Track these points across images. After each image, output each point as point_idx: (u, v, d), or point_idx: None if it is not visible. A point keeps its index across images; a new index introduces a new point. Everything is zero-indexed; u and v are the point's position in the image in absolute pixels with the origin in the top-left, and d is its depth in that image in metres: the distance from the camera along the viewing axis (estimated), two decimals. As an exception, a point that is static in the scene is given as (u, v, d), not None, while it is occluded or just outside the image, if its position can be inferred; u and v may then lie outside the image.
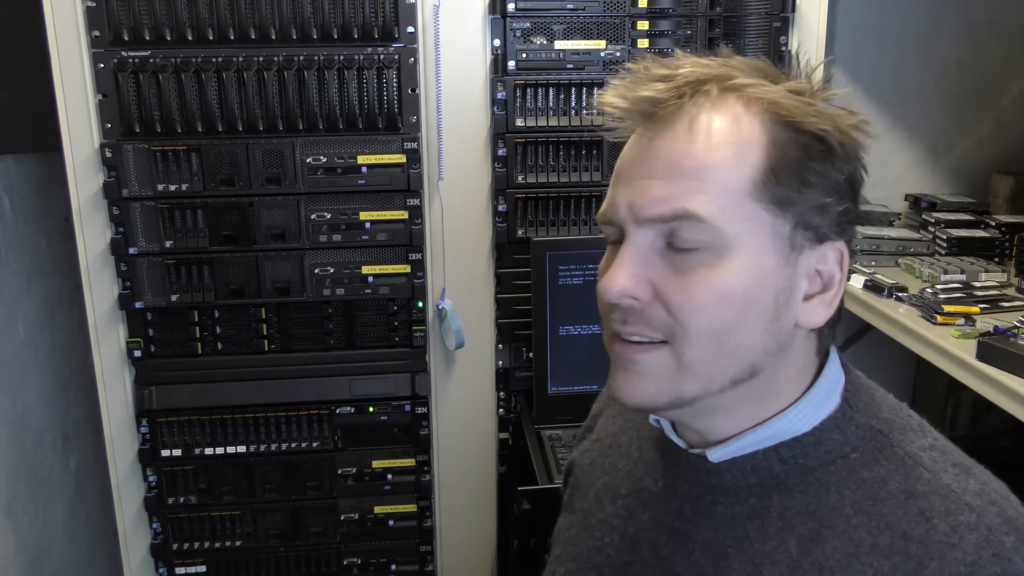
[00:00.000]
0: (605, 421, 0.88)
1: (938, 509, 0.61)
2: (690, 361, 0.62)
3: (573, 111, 1.57)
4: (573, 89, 1.56)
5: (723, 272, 0.60)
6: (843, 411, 0.67)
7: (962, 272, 1.58)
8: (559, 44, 1.55)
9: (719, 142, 0.60)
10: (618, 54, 1.56)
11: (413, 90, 1.51)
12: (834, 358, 0.70)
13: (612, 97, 0.64)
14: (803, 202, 0.61)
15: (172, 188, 1.50)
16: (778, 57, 1.58)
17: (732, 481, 0.68)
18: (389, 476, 1.66)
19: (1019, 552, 0.59)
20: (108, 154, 1.47)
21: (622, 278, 0.61)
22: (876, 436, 0.66)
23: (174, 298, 1.54)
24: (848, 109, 0.63)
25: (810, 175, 0.61)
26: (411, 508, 1.68)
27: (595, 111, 0.68)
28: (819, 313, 0.64)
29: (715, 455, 0.68)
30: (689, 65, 0.63)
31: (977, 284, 1.55)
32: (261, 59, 1.46)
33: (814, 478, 0.65)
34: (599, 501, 0.80)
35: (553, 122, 1.57)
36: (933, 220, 1.79)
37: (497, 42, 1.55)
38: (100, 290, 1.53)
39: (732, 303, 0.61)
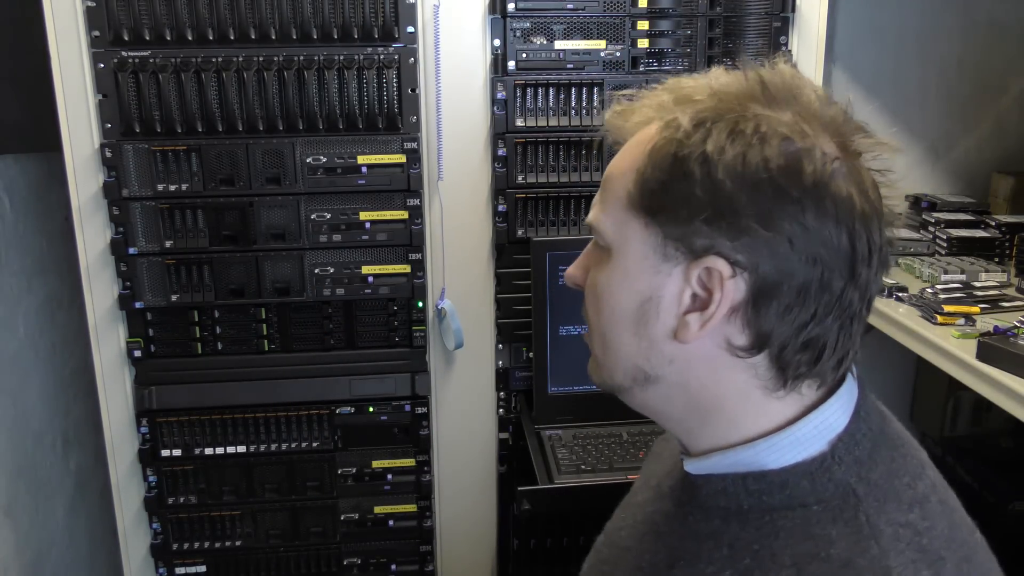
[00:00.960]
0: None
1: None
2: (595, 352, 0.72)
3: (573, 111, 1.57)
4: (573, 89, 1.56)
5: (603, 274, 0.68)
6: (823, 459, 0.64)
7: (962, 272, 1.58)
8: (559, 44, 1.55)
9: (623, 157, 0.67)
10: (618, 54, 1.56)
11: (413, 90, 1.51)
12: (840, 402, 0.66)
13: (608, 122, 0.71)
14: (667, 215, 0.62)
15: (172, 188, 1.50)
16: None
17: (705, 498, 0.69)
18: (389, 476, 1.66)
19: None
20: (108, 154, 1.47)
21: (570, 267, 0.74)
22: (847, 496, 0.62)
23: (174, 298, 1.54)
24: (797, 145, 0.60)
25: (673, 192, 0.61)
26: (411, 508, 1.68)
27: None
28: (693, 330, 0.62)
29: (690, 466, 0.70)
30: (664, 89, 0.67)
31: (977, 284, 1.55)
32: (261, 59, 1.46)
33: (771, 518, 0.64)
34: (640, 487, 0.83)
35: (553, 122, 1.57)
36: (933, 220, 1.79)
37: (497, 42, 1.55)
38: (100, 290, 1.53)
39: (603, 304, 0.68)
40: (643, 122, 0.67)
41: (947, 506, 0.66)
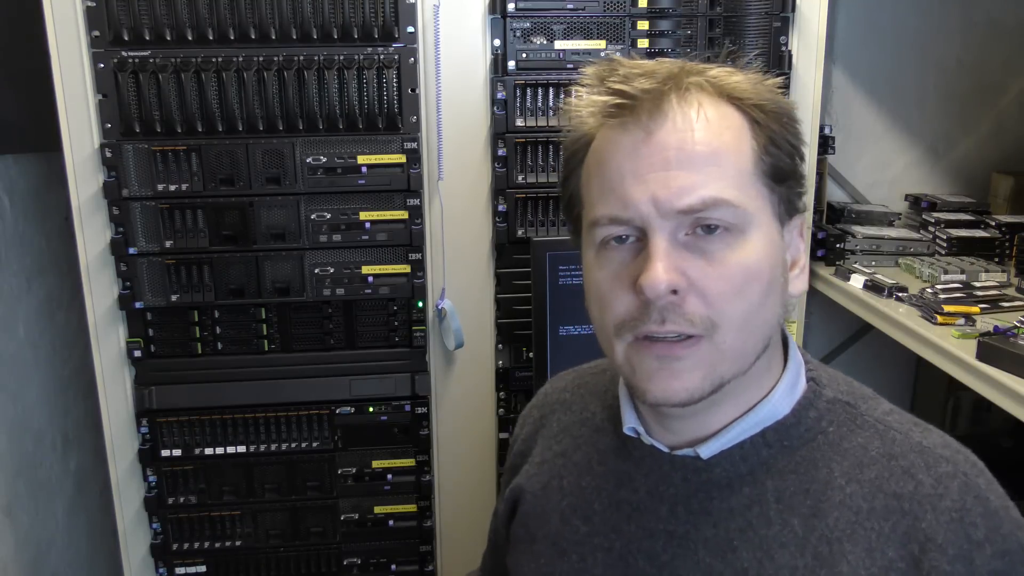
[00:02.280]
0: (545, 442, 0.85)
1: (919, 465, 0.66)
2: (728, 347, 0.63)
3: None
4: (573, 89, 1.56)
5: (748, 252, 0.63)
6: (812, 389, 0.71)
7: (962, 272, 1.58)
8: (559, 44, 1.55)
9: (719, 128, 0.63)
10: (618, 54, 1.56)
11: (413, 90, 1.51)
12: (792, 341, 0.73)
13: (589, 102, 0.67)
14: (789, 175, 0.67)
15: (172, 188, 1.50)
16: (778, 57, 1.59)
17: (723, 474, 0.69)
18: (389, 476, 1.66)
19: (992, 490, 0.66)
20: (108, 154, 1.47)
21: (666, 272, 0.61)
22: (846, 408, 0.71)
23: (174, 298, 1.54)
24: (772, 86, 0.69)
25: (787, 147, 0.67)
26: (411, 508, 1.68)
27: (562, 111, 0.72)
28: (800, 282, 0.70)
29: (707, 451, 0.69)
30: (653, 63, 0.68)
31: (977, 284, 1.55)
32: (261, 59, 1.46)
33: (800, 457, 0.68)
34: (568, 523, 0.77)
35: (553, 122, 1.57)
36: (933, 220, 1.79)
37: (497, 42, 1.55)
38: (100, 290, 1.53)
39: (759, 280, 0.64)
40: (677, 97, 0.63)
41: None
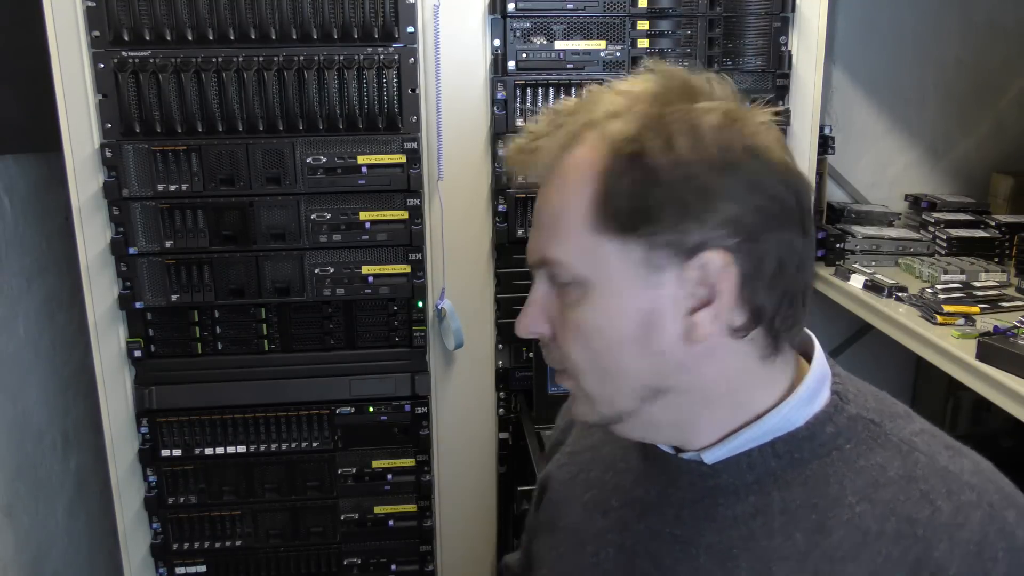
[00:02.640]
0: (579, 433, 0.87)
1: (939, 490, 0.62)
2: (588, 390, 0.68)
3: (573, 111, 1.57)
4: (573, 89, 1.56)
5: (589, 309, 0.64)
6: (834, 404, 0.68)
7: (962, 272, 1.58)
8: (559, 44, 1.55)
9: (563, 184, 0.65)
10: (618, 54, 1.56)
11: (413, 90, 1.51)
12: (819, 353, 0.70)
13: (512, 159, 0.69)
14: (645, 219, 0.61)
15: (172, 188, 1.50)
16: (778, 57, 1.59)
17: (729, 481, 0.68)
18: (389, 476, 1.66)
19: (1021, 525, 0.61)
20: (108, 154, 1.47)
21: (525, 319, 0.69)
22: (868, 426, 0.67)
23: (174, 298, 1.54)
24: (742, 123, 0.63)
25: (649, 200, 0.61)
26: (411, 508, 1.68)
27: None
28: (707, 325, 0.62)
29: (711, 456, 0.68)
30: (570, 111, 0.67)
31: (977, 284, 1.55)
32: (261, 59, 1.46)
33: (811, 471, 0.66)
34: (589, 515, 0.78)
35: (553, 122, 1.57)
36: (933, 220, 1.79)
37: (497, 42, 1.55)
38: (100, 290, 1.53)
39: (597, 338, 0.65)
40: (558, 149, 0.65)
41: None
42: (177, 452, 1.60)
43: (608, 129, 0.63)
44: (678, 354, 0.64)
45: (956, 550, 0.60)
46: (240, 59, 1.45)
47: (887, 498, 0.63)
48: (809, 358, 0.71)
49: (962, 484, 0.63)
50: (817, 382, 0.68)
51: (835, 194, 2.04)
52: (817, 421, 0.67)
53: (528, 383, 1.67)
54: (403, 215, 1.55)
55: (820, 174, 1.82)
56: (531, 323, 0.68)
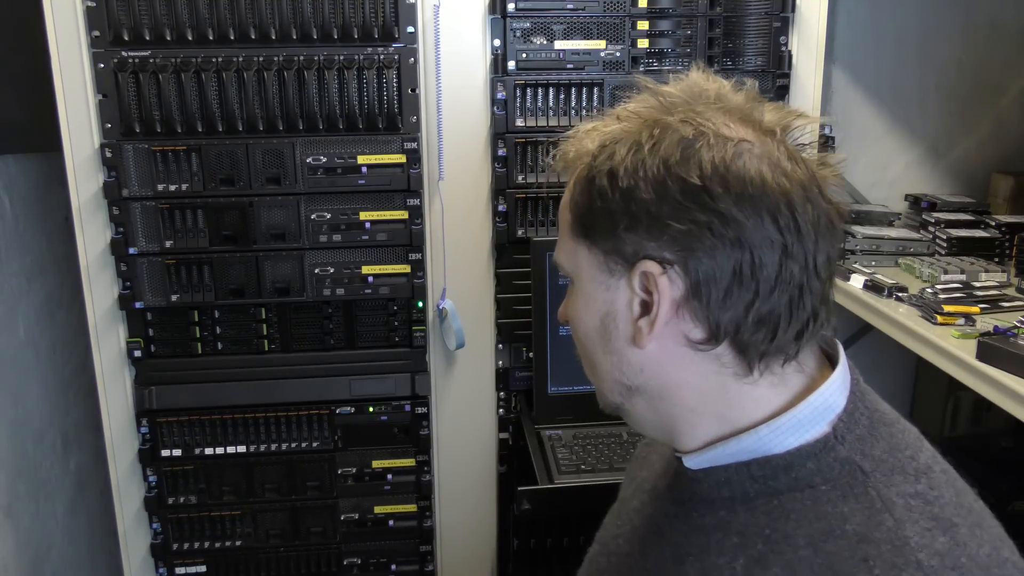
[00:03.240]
0: None
1: (885, 560, 0.58)
2: (589, 377, 0.75)
3: (573, 111, 1.57)
4: (573, 89, 1.56)
5: (570, 303, 0.73)
6: (826, 440, 0.65)
7: (962, 272, 1.58)
8: (559, 44, 1.55)
9: (564, 196, 0.72)
10: (618, 54, 1.56)
11: (413, 90, 1.51)
12: (835, 384, 0.67)
13: (556, 166, 0.74)
14: (599, 229, 0.67)
15: (172, 188, 1.50)
16: (778, 57, 1.59)
17: (708, 491, 0.69)
18: (389, 476, 1.66)
19: None
20: (108, 154, 1.47)
21: (560, 309, 0.77)
22: (854, 473, 0.63)
23: (174, 298, 1.54)
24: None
25: (597, 211, 0.66)
26: (411, 508, 1.68)
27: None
28: (642, 334, 0.65)
29: (690, 462, 0.70)
30: (592, 127, 0.70)
31: (977, 284, 1.55)
32: (261, 59, 1.46)
33: (779, 502, 0.65)
34: (633, 493, 0.84)
35: (553, 122, 1.57)
36: (933, 220, 1.79)
37: (497, 42, 1.55)
38: (100, 290, 1.53)
39: (578, 332, 0.73)
40: (577, 157, 0.71)
41: (950, 475, 0.67)
42: (177, 452, 1.60)
43: (583, 146, 0.70)
44: (630, 356, 0.68)
45: None
46: (240, 59, 1.45)
47: (832, 551, 0.60)
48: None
49: (911, 561, 0.58)
50: (812, 413, 0.66)
51: (835, 194, 2.03)
52: (800, 453, 0.65)
53: (528, 383, 1.67)
54: (403, 215, 1.55)
55: (820, 174, 1.82)
56: (560, 310, 0.77)
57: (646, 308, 0.65)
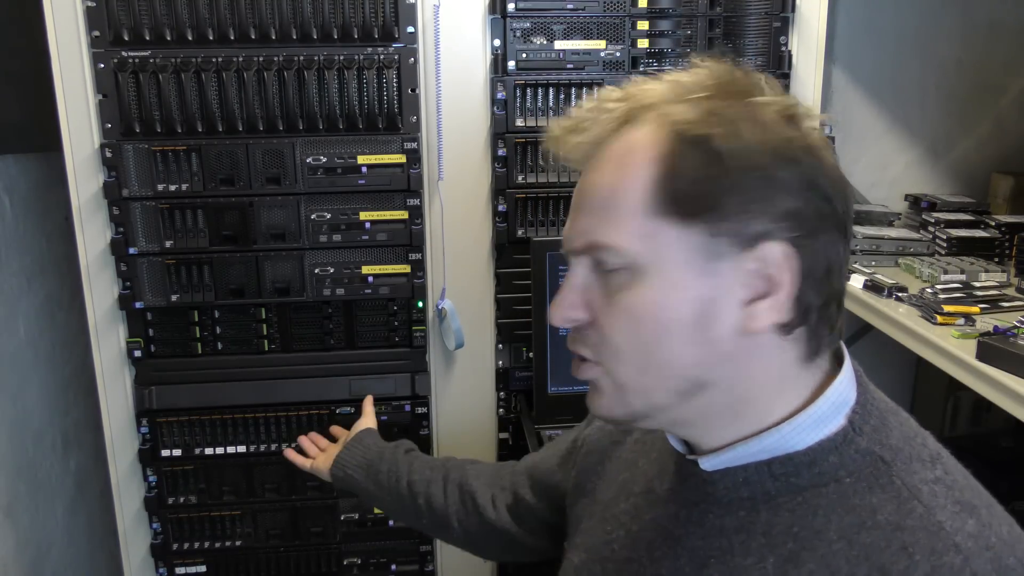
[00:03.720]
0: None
1: (923, 546, 0.59)
2: (623, 380, 0.66)
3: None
4: (573, 89, 1.56)
5: (639, 293, 0.63)
6: (845, 433, 0.65)
7: (962, 272, 1.58)
8: (559, 44, 1.55)
9: (619, 167, 0.63)
10: (618, 54, 1.56)
11: (413, 90, 1.51)
12: (847, 376, 0.67)
13: (555, 138, 0.69)
14: (709, 206, 0.60)
15: (172, 188, 1.50)
16: (778, 57, 1.59)
17: (724, 492, 0.68)
18: (389, 476, 1.66)
19: None
20: (108, 154, 1.47)
21: (561, 306, 0.67)
22: (876, 463, 0.64)
23: (174, 298, 1.54)
24: (797, 124, 0.63)
25: (715, 186, 0.60)
26: (411, 508, 1.68)
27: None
28: (764, 317, 0.62)
29: (707, 464, 0.68)
30: (620, 98, 0.66)
31: (977, 284, 1.55)
32: (261, 59, 1.46)
33: (803, 498, 0.64)
34: (617, 496, 0.81)
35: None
36: (933, 220, 1.79)
37: (497, 42, 1.55)
38: (100, 290, 1.53)
39: (649, 323, 0.63)
40: (608, 131, 0.65)
41: (954, 460, 0.68)
42: (177, 452, 1.60)
43: (669, 113, 0.62)
44: (728, 345, 0.63)
45: None
46: (240, 59, 1.45)
47: (867, 542, 0.60)
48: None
49: (950, 545, 0.59)
50: (831, 408, 0.66)
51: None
52: (821, 448, 0.65)
53: (528, 383, 1.67)
54: (403, 215, 1.55)
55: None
56: (569, 309, 0.66)
57: (758, 291, 0.62)
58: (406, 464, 1.21)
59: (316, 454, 1.39)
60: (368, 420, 1.43)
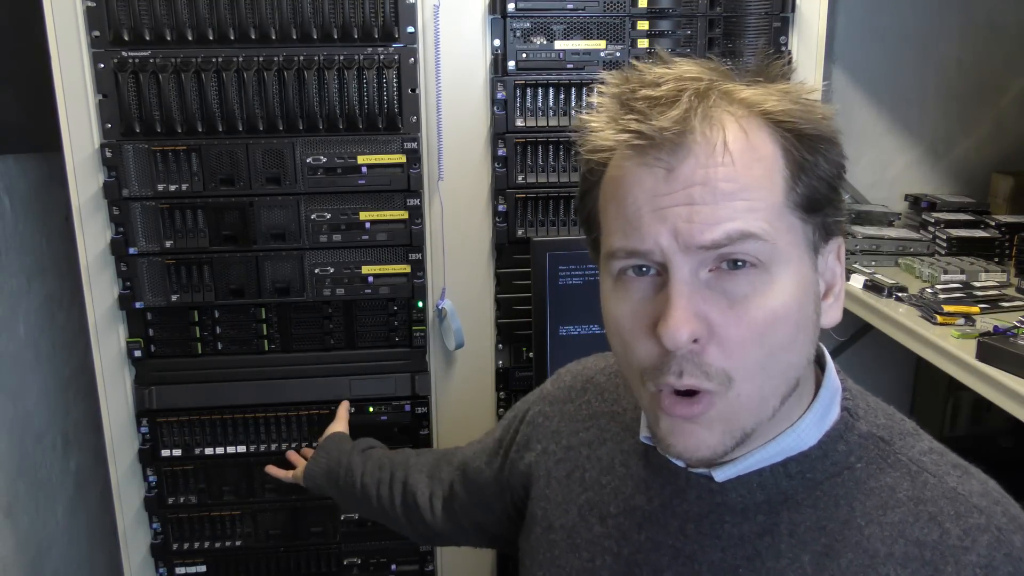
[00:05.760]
0: (573, 425, 0.84)
1: (948, 513, 0.62)
2: (746, 397, 0.60)
3: (573, 111, 1.57)
4: (573, 89, 1.56)
5: (774, 293, 0.58)
6: (845, 421, 0.67)
7: (962, 272, 1.58)
8: (559, 44, 1.55)
9: (747, 160, 0.58)
10: (618, 54, 1.56)
11: (413, 90, 1.51)
12: (831, 366, 0.69)
13: (607, 132, 0.62)
14: (825, 203, 0.62)
15: (172, 188, 1.50)
16: (777, 58, 1.58)
17: (738, 499, 0.67)
18: (389, 476, 1.66)
19: None
20: (108, 154, 1.47)
21: (686, 322, 0.57)
22: (879, 444, 0.66)
23: (174, 298, 1.54)
24: (813, 101, 0.64)
25: (821, 173, 0.61)
26: (411, 508, 1.68)
27: (577, 131, 0.66)
28: (835, 311, 0.65)
29: (721, 475, 0.67)
30: (676, 80, 0.60)
31: (977, 284, 1.55)
32: (261, 59, 1.46)
33: (821, 492, 0.65)
34: (584, 519, 0.77)
35: (553, 122, 1.57)
36: (933, 220, 1.79)
37: (497, 42, 1.55)
38: (100, 290, 1.53)
39: (785, 324, 0.59)
40: (700, 118, 0.58)
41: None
42: (177, 452, 1.60)
43: (761, 107, 0.60)
44: (815, 339, 0.64)
45: (962, 573, 0.59)
46: (240, 59, 1.45)
47: (896, 520, 0.62)
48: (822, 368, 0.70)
49: (970, 507, 0.62)
50: (830, 397, 0.67)
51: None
52: (829, 439, 0.66)
53: (528, 383, 1.67)
54: (403, 215, 1.55)
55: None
56: (695, 321, 0.57)
57: (827, 285, 0.65)
58: (360, 465, 1.19)
59: (298, 462, 1.40)
60: (339, 424, 1.42)
